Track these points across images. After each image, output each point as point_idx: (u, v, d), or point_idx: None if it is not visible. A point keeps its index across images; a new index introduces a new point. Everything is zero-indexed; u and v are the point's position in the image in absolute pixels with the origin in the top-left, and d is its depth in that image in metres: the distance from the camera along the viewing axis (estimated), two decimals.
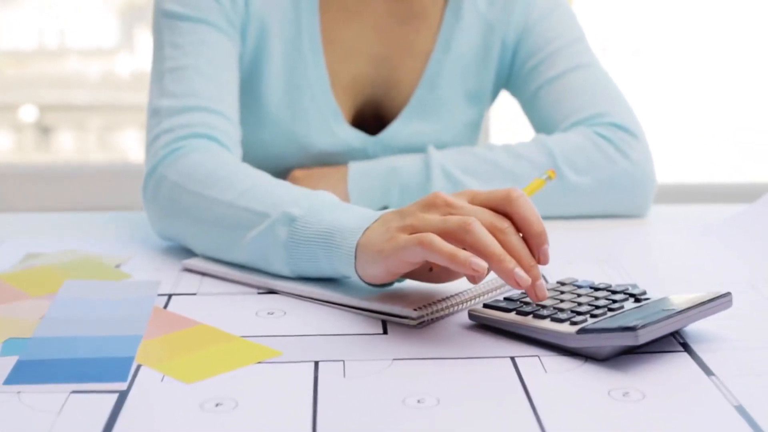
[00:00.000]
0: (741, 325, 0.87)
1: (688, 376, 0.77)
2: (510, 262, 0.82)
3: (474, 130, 1.40)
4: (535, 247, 0.86)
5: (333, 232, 0.93)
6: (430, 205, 0.87)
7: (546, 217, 1.23)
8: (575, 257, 1.08)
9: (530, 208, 0.86)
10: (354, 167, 1.25)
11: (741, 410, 0.71)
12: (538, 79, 1.32)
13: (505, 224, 0.85)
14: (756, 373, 0.77)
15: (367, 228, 0.90)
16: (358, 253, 0.89)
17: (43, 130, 3.50)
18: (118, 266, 1.05)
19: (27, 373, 0.78)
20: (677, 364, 0.79)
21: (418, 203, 0.88)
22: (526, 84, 1.34)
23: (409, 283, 0.94)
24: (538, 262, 0.85)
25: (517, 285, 0.82)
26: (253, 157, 1.30)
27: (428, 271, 0.90)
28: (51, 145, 3.56)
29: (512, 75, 1.36)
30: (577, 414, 0.71)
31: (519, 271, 0.82)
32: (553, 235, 1.16)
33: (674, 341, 0.83)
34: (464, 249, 0.83)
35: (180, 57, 1.17)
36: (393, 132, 1.33)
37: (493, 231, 0.84)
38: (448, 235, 0.83)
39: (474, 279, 0.84)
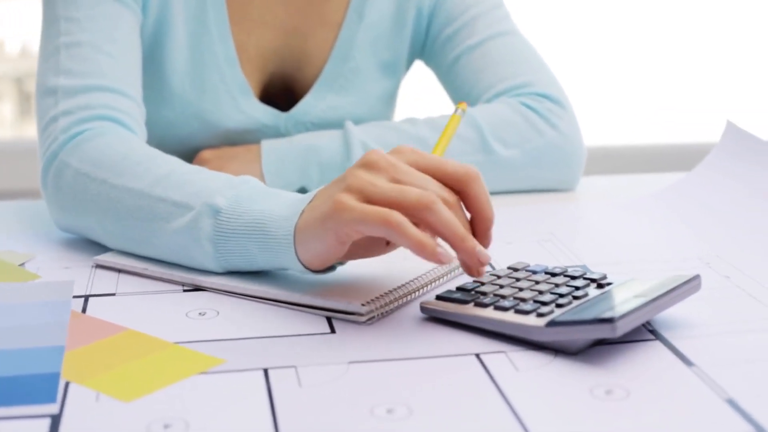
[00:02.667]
0: (705, 308, 0.83)
1: (668, 368, 0.72)
2: (471, 241, 0.77)
3: (389, 102, 1.33)
4: (482, 231, 0.81)
5: (265, 222, 0.85)
6: (373, 165, 0.80)
7: None
8: (514, 237, 1.02)
9: (486, 191, 0.80)
10: (267, 146, 1.17)
11: (733, 404, 0.66)
12: (457, 48, 1.26)
13: (453, 198, 0.80)
14: (737, 361, 0.73)
15: (303, 211, 0.83)
16: (297, 236, 0.82)
17: None
18: (22, 265, 0.95)
19: None
20: (652, 354, 0.74)
21: (358, 164, 0.81)
22: (444, 53, 1.27)
23: (352, 274, 0.87)
24: (482, 245, 0.81)
25: (480, 264, 0.78)
26: (157, 137, 1.21)
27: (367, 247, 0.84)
28: None
29: (428, 44, 1.29)
30: (563, 417, 0.65)
31: (482, 250, 0.78)
32: None
33: (643, 329, 0.79)
34: (416, 223, 0.77)
35: (77, 32, 1.07)
36: (305, 107, 1.25)
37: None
38: (405, 209, 0.77)
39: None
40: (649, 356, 0.74)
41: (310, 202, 0.83)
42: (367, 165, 0.80)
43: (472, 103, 1.23)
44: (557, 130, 1.19)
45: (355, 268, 0.88)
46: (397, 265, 0.89)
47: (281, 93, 1.28)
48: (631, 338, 0.77)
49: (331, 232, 0.78)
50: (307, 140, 1.16)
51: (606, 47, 2.93)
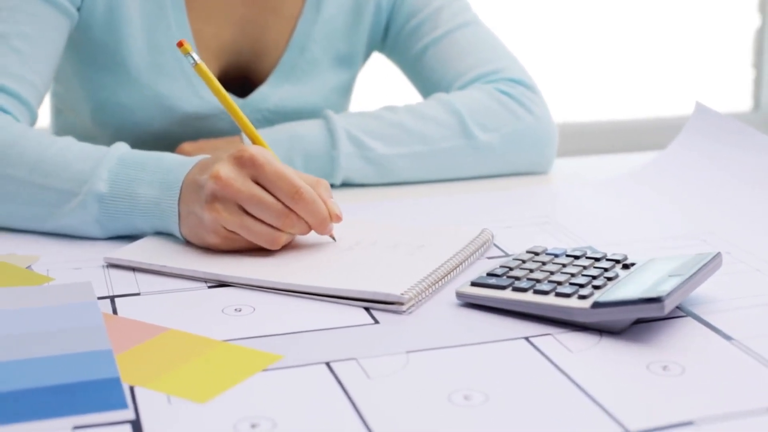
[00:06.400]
0: (721, 284, 0.87)
1: (710, 343, 0.76)
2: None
3: (345, 94, 1.36)
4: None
5: (147, 205, 0.96)
6: (241, 164, 0.91)
7: (455, 179, 1.21)
8: (511, 221, 1.05)
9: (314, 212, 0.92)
10: None
11: None
12: (423, 39, 1.29)
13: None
14: None
15: (180, 196, 0.94)
16: (182, 222, 0.95)
17: None
18: (28, 267, 0.94)
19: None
20: (689, 330, 0.78)
21: (231, 166, 0.92)
22: (409, 45, 1.30)
23: (378, 263, 0.89)
24: None
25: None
26: (117, 121, 1.24)
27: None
28: None
29: (390, 37, 1.32)
30: (633, 394, 0.69)
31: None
32: (473, 198, 1.14)
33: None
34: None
35: None
36: (262, 95, 1.27)
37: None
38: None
39: None
40: (687, 332, 0.78)
41: (182, 186, 0.94)
42: (238, 163, 0.91)
43: (443, 91, 1.26)
44: (532, 114, 1.22)
45: (377, 258, 0.90)
46: (416, 253, 0.91)
47: (238, 82, 1.29)
48: (664, 315, 0.80)
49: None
50: (290, 129, 1.17)
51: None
